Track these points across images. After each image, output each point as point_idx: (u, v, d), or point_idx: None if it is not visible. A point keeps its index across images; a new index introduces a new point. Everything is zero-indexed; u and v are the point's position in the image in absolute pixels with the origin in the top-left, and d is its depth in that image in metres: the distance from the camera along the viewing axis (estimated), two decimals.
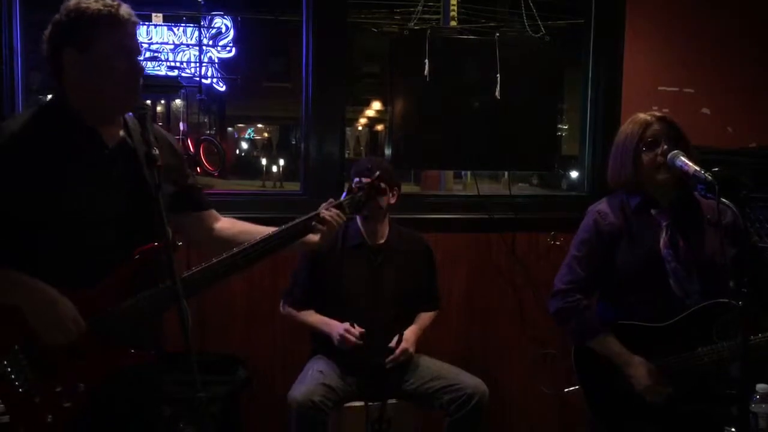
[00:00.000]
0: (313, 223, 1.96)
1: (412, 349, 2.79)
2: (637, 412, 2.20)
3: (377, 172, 2.17)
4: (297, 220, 1.96)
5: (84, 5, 1.73)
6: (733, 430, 1.98)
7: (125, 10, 1.76)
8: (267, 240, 1.90)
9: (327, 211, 1.98)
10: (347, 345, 2.70)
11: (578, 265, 2.33)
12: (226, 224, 2.08)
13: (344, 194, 2.06)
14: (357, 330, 2.71)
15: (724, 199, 2.21)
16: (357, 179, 2.75)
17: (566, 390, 2.63)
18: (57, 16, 1.76)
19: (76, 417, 1.74)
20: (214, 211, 2.08)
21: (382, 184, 2.14)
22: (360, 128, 18.64)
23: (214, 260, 1.84)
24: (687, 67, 3.64)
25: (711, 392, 2.14)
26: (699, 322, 2.17)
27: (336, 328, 2.75)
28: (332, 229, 1.98)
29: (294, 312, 2.90)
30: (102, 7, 1.73)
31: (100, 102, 1.79)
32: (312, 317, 2.86)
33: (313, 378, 2.67)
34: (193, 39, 3.25)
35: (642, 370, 2.18)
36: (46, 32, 1.77)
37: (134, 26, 1.80)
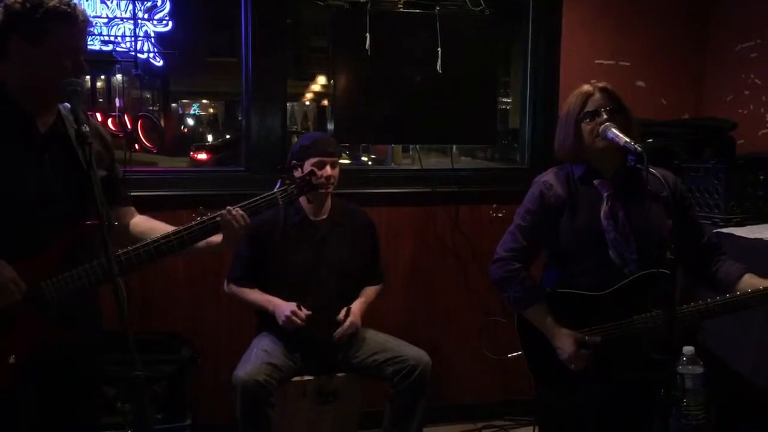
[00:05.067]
0: (216, 222, 1.96)
1: (358, 322, 2.82)
2: (576, 377, 2.26)
3: (308, 170, 2.34)
4: (194, 223, 1.95)
5: None
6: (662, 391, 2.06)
7: (80, 9, 1.76)
8: (166, 238, 1.89)
9: (227, 213, 1.98)
10: (292, 327, 2.70)
11: (521, 234, 2.37)
12: (139, 220, 2.11)
13: (278, 185, 2.11)
14: (303, 312, 2.70)
15: (666, 171, 2.25)
16: (316, 159, 2.75)
17: (509, 355, 2.70)
18: (10, 1, 1.71)
19: (8, 391, 1.73)
20: (133, 208, 2.11)
21: (314, 179, 2.22)
22: (308, 103, 18.44)
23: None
24: (623, 41, 3.71)
25: (645, 358, 2.20)
26: (636, 290, 2.22)
27: (281, 309, 2.72)
28: (233, 230, 1.98)
29: (238, 290, 2.88)
30: (59, 4, 1.72)
31: (39, 92, 1.79)
32: (256, 295, 2.84)
33: (258, 357, 2.66)
34: (128, 12, 3.14)
35: (567, 341, 2.23)
36: None
37: (86, 25, 1.80)
